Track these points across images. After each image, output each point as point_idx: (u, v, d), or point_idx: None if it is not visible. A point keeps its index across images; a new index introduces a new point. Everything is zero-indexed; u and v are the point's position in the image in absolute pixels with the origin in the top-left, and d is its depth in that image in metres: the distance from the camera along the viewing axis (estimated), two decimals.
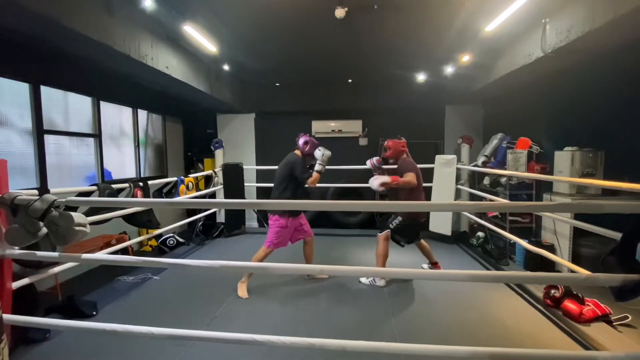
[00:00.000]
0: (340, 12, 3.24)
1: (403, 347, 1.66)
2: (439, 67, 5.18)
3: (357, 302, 3.12)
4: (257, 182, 6.78)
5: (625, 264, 1.56)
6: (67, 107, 4.20)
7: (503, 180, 4.63)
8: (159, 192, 4.06)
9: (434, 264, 3.70)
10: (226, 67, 5.39)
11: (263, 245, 3.37)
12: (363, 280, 3.47)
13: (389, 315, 2.87)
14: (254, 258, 3.32)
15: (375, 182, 3.33)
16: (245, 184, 5.95)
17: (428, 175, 5.16)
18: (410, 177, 3.35)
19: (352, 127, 6.81)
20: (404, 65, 5.32)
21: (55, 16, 2.51)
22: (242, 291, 3.27)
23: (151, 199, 3.51)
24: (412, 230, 3.48)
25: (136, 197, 3.25)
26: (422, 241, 3.70)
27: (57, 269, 2.59)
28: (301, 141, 3.48)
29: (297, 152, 3.49)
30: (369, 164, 3.76)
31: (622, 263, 1.57)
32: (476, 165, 5.18)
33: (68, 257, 2.23)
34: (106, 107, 4.79)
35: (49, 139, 3.81)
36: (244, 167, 5.95)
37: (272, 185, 6.38)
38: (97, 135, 4.60)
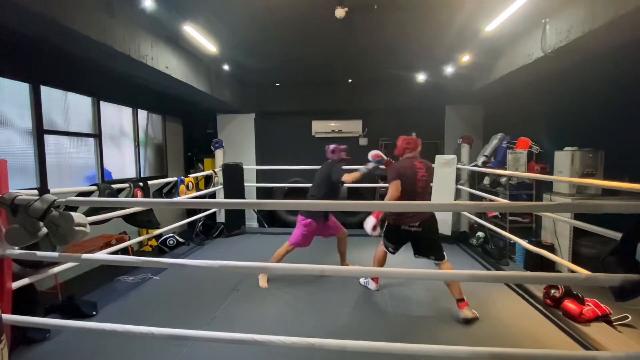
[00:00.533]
0: (340, 12, 3.24)
1: (403, 347, 1.66)
2: (439, 67, 5.18)
3: (357, 302, 3.12)
4: (257, 182, 6.79)
5: (625, 264, 1.56)
6: (67, 107, 4.20)
7: (503, 180, 4.63)
8: (159, 192, 4.06)
9: (458, 301, 2.79)
10: (226, 67, 5.40)
11: (287, 242, 3.50)
12: (361, 280, 3.46)
13: (389, 315, 2.87)
14: (275, 254, 3.45)
15: (368, 226, 3.03)
16: (245, 184, 5.95)
17: None
18: (391, 192, 2.94)
19: (352, 127, 6.82)
20: (404, 65, 5.32)
21: (55, 16, 2.52)
22: (262, 281, 3.44)
23: (151, 199, 3.51)
24: (396, 236, 3.05)
25: (136, 197, 3.25)
26: (447, 263, 2.91)
27: (57, 269, 2.59)
28: (330, 152, 3.64)
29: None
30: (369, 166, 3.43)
31: (622, 263, 1.57)
32: (476, 165, 5.18)
33: (68, 257, 2.23)
34: (106, 107, 4.79)
35: (49, 139, 3.81)
36: (244, 167, 5.95)
37: (272, 185, 6.52)
38: (97, 135, 4.61)
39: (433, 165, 4.94)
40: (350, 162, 3.73)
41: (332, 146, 3.66)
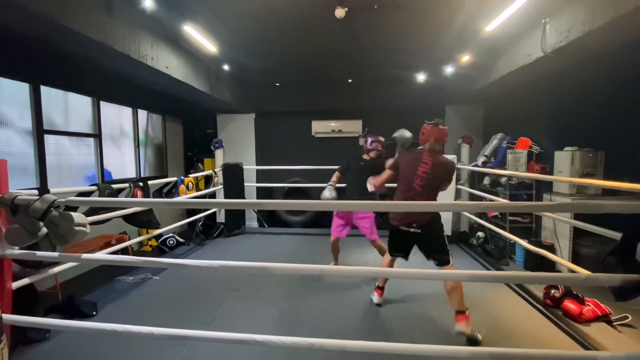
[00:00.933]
0: (340, 12, 3.24)
1: (403, 347, 1.66)
2: (439, 67, 5.18)
3: (358, 302, 3.12)
4: (257, 182, 6.79)
5: (625, 264, 1.56)
6: (67, 107, 4.20)
7: (503, 180, 4.63)
8: (159, 192, 4.06)
9: (457, 313, 2.44)
10: (226, 67, 5.40)
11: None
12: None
13: (389, 315, 2.87)
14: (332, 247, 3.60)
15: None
16: (245, 184, 5.95)
17: None
18: (382, 176, 2.92)
19: (352, 127, 6.82)
20: (404, 65, 5.32)
21: (55, 16, 2.52)
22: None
23: (151, 199, 3.51)
24: (397, 239, 2.75)
25: (136, 197, 3.25)
26: (451, 269, 2.59)
27: (57, 269, 2.59)
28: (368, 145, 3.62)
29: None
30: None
31: (622, 263, 1.57)
32: (476, 165, 5.18)
33: (68, 257, 2.23)
34: (106, 107, 4.79)
35: (49, 139, 3.81)
36: (244, 167, 5.95)
37: (272, 185, 6.52)
38: (97, 135, 4.61)
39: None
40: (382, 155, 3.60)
41: (369, 138, 3.59)
